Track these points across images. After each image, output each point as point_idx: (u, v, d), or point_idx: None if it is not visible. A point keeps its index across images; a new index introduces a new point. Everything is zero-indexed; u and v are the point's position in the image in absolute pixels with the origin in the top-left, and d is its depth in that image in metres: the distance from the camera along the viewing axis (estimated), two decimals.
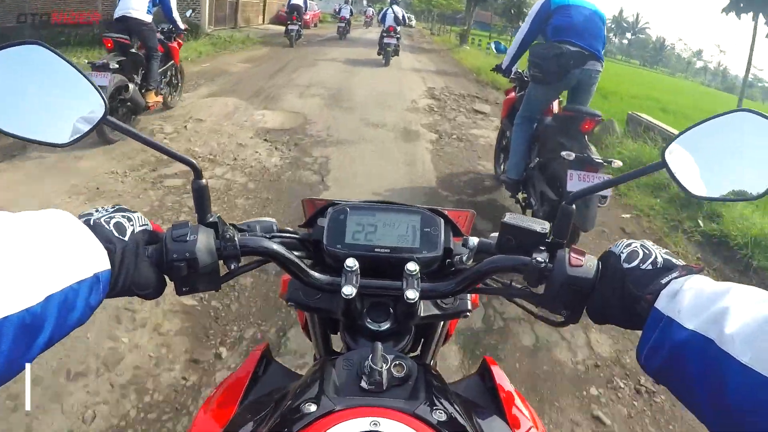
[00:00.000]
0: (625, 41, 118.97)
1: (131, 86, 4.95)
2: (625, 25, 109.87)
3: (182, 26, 5.81)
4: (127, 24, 5.00)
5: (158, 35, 5.40)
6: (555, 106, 3.73)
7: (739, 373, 0.41)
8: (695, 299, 0.49)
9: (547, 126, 3.52)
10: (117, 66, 4.68)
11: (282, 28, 16.37)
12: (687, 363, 0.46)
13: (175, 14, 5.57)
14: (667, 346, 0.49)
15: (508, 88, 4.57)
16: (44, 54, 0.58)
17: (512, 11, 22.52)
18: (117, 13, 5.21)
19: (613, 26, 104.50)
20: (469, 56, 16.93)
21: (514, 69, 3.97)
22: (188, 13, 7.54)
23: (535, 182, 3.47)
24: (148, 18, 5.11)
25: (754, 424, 0.40)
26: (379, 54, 13.27)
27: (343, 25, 19.40)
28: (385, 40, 12.90)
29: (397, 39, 13.17)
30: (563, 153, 2.93)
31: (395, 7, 13.62)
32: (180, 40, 6.06)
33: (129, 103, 5.02)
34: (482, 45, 21.51)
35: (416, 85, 10.30)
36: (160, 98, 5.65)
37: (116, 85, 4.66)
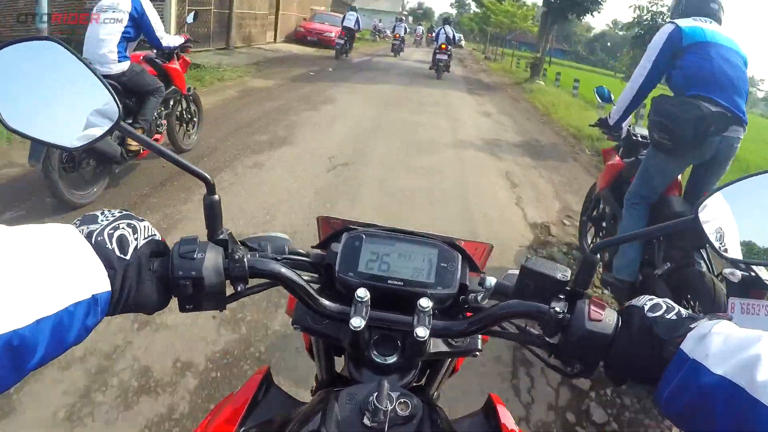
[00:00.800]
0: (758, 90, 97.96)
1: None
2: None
3: (176, 43, 4.33)
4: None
5: (152, 53, 4.33)
6: (677, 184, 2.83)
7: None
8: (724, 344, 0.48)
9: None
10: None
11: (297, 47, 18.04)
12: (714, 408, 0.46)
13: (159, 32, 4.08)
14: (692, 389, 0.48)
15: (607, 148, 3.63)
16: (60, 52, 0.57)
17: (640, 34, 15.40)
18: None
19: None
20: (553, 99, 12.39)
21: (625, 126, 3.10)
22: (189, 18, 5.15)
23: (658, 293, 2.73)
24: (124, 65, 3.86)
25: None
26: (431, 69, 15.73)
27: (398, 42, 21.57)
28: (438, 56, 15.06)
29: (448, 56, 15.16)
30: (726, 271, 2.09)
31: (447, 27, 15.47)
32: (185, 58, 4.72)
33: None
34: (563, 81, 16.59)
35: (492, 193, 5.18)
36: (160, 137, 4.53)
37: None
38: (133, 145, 3.94)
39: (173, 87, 4.49)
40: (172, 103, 4.63)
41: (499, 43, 36.14)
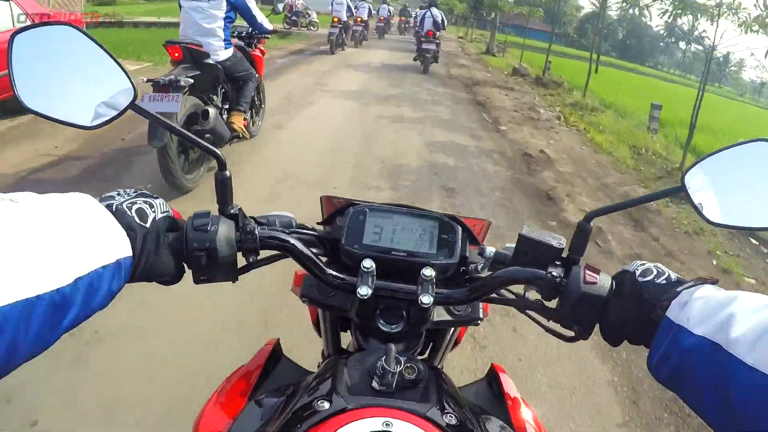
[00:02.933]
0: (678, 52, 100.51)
1: (211, 111, 3.69)
2: (680, 33, 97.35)
3: (270, 27, 4.44)
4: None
5: (238, 42, 4.35)
6: None
7: (745, 374, 0.44)
8: (704, 307, 0.51)
9: None
10: (191, 82, 3.40)
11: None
12: (695, 368, 0.49)
13: (259, 16, 4.21)
14: (676, 352, 0.51)
15: None
16: (76, 36, 0.59)
17: None
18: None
19: (664, 33, 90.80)
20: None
21: None
22: (279, 8, 5.35)
23: None
24: (229, 52, 3.99)
25: (759, 424, 0.42)
26: (415, 60, 12.73)
27: (360, 29, 15.93)
28: (424, 46, 12.16)
29: (437, 44, 12.24)
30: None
31: (434, 9, 12.37)
32: (262, 47, 4.81)
33: (208, 135, 3.76)
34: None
35: None
36: (244, 124, 4.41)
37: (189, 111, 3.45)
38: (236, 125, 4.19)
39: (257, 76, 4.56)
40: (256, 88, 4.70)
41: (481, 26, 32.41)
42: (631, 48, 75.97)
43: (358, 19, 15.80)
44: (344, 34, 14.46)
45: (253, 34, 4.57)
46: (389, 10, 19.74)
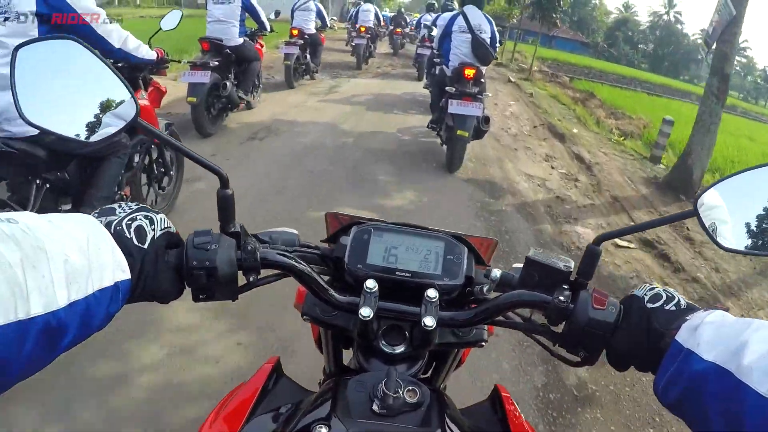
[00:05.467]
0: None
1: (228, 84, 5.55)
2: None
3: (268, 27, 6.34)
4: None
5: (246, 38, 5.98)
6: None
7: (757, 404, 0.43)
8: (715, 332, 0.51)
9: None
10: (216, 64, 5.27)
11: None
12: (704, 393, 0.48)
13: (263, 16, 6.09)
14: (685, 377, 0.51)
15: None
16: (78, 50, 0.59)
17: None
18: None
19: (700, 42, 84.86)
20: None
21: None
22: (272, 15, 7.35)
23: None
24: (242, 39, 5.80)
25: None
26: (433, 129, 10.80)
27: (362, 43, 11.68)
28: (356, 42, 11.38)
29: (368, 39, 11.56)
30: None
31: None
32: (261, 42, 6.62)
33: (224, 99, 5.69)
34: None
35: None
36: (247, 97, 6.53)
37: (213, 82, 5.28)
38: (243, 96, 6.18)
39: (258, 62, 6.37)
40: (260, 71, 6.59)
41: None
42: (664, 59, 70.37)
43: (362, 29, 11.76)
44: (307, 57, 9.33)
45: (255, 32, 6.33)
46: (378, 16, 12.87)
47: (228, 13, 5.59)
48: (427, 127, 6.14)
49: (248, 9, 5.78)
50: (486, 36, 5.16)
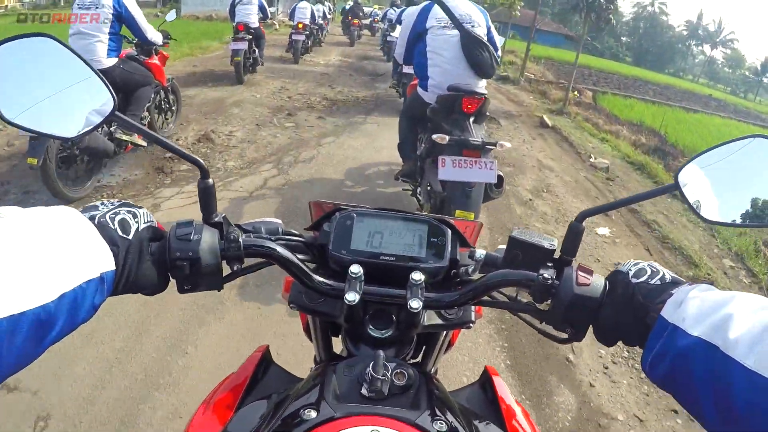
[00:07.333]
0: (701, 56, 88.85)
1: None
2: (701, 33, 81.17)
3: (159, 38, 4.72)
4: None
5: (132, 51, 4.65)
6: None
7: (744, 377, 0.44)
8: (700, 307, 0.51)
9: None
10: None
11: None
12: (692, 368, 0.49)
13: (143, 25, 4.40)
14: (672, 352, 0.52)
15: None
16: (54, 47, 0.60)
17: None
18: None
19: (686, 33, 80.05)
20: None
21: None
22: (169, 17, 5.74)
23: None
24: (112, 61, 4.13)
25: (757, 426, 0.43)
26: (287, 51, 11.78)
27: (300, 39, 11.68)
28: (294, 37, 11.46)
29: (306, 35, 11.89)
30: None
31: (304, 1, 12.10)
32: (163, 53, 5.21)
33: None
34: None
35: None
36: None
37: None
38: (124, 138, 4.37)
39: (155, 81, 4.87)
40: (152, 95, 4.96)
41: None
42: (648, 52, 70.14)
43: (300, 25, 11.83)
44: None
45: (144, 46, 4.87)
46: (313, 13, 13.12)
47: (95, 27, 4.04)
48: (396, 179, 3.96)
49: (121, 17, 4.18)
50: (480, 32, 3.25)
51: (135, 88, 4.49)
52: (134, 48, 4.70)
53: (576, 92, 12.51)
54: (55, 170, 3.64)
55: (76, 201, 3.84)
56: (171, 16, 5.70)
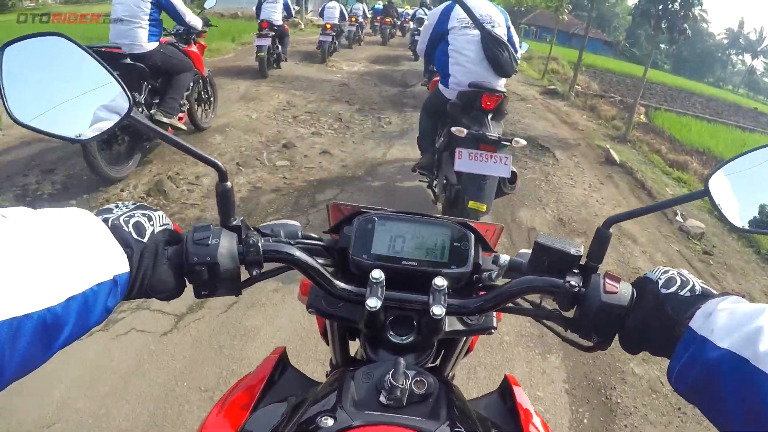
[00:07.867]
0: (739, 65, 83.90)
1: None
2: (742, 42, 76.82)
3: (198, 23, 4.88)
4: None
5: (172, 39, 4.79)
6: None
7: None
8: (729, 319, 0.50)
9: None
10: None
11: None
12: (720, 381, 0.48)
13: (181, 9, 4.54)
14: (699, 364, 0.51)
15: None
16: (68, 47, 0.59)
17: None
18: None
19: (726, 42, 75.92)
20: None
21: None
22: (209, 4, 5.74)
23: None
24: (153, 45, 4.23)
25: None
26: (317, 48, 11.80)
27: (327, 39, 11.75)
28: (321, 38, 11.65)
29: (333, 37, 11.87)
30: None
31: (333, 1, 12.36)
32: (201, 42, 5.31)
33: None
34: None
35: None
36: (183, 116, 5.20)
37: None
38: (164, 120, 4.47)
39: (195, 69, 4.95)
40: (192, 84, 5.06)
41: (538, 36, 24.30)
42: (688, 60, 67.76)
43: (328, 26, 11.98)
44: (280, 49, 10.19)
45: (182, 33, 4.92)
46: (343, 12, 13.20)
47: (135, 12, 4.15)
48: (413, 171, 4.15)
49: (162, 4, 4.35)
50: (500, 32, 3.38)
51: (175, 72, 4.56)
52: (173, 37, 4.84)
53: (643, 115, 11.04)
54: (98, 150, 3.75)
55: (118, 182, 4.06)
56: (210, 2, 5.70)
